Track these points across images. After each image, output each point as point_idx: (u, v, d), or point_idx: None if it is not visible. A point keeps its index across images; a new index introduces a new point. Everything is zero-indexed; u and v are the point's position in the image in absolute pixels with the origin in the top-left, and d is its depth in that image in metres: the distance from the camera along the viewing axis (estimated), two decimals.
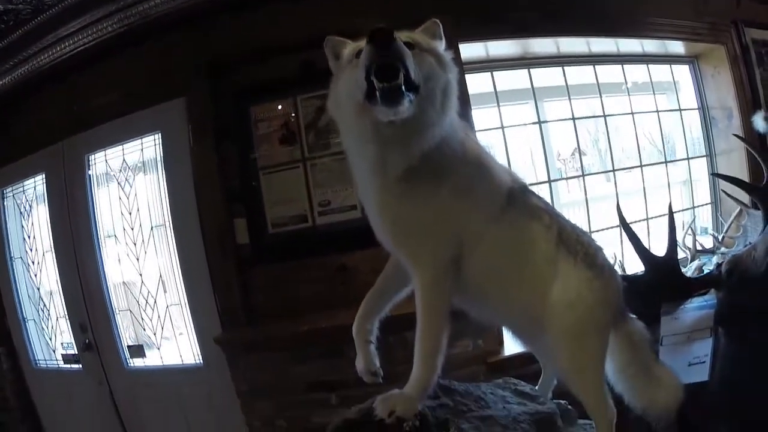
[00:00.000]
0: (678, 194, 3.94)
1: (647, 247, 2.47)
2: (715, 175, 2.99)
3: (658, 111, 3.90)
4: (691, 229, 3.26)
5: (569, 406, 1.65)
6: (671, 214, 2.51)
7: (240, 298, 2.99)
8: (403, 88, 1.12)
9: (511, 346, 2.76)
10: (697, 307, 2.40)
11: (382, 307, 1.48)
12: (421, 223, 1.30)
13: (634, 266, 2.81)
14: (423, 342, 1.32)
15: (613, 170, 3.77)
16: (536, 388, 1.66)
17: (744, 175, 3.05)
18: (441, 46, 1.34)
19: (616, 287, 1.46)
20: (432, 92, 1.22)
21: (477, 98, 3.28)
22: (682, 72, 3.98)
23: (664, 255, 2.45)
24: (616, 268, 2.55)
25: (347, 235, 2.80)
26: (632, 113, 3.82)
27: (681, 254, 3.15)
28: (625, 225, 2.50)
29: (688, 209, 3.81)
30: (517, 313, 1.46)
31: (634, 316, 1.63)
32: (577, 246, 1.40)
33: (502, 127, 3.38)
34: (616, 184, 3.74)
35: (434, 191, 1.29)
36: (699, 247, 3.19)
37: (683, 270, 2.76)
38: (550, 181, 3.52)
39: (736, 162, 3.69)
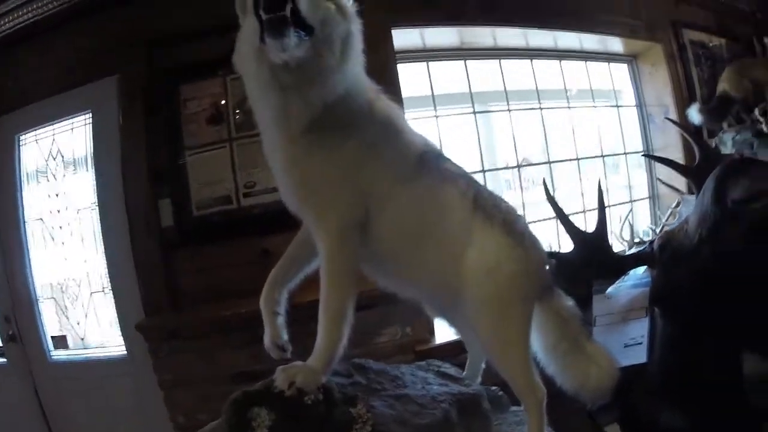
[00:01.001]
0: (617, 190, 4.00)
1: (575, 223, 2.41)
2: (646, 156, 3.02)
3: (596, 106, 3.97)
4: (629, 221, 3.28)
5: (501, 393, 1.60)
6: (600, 191, 2.47)
7: (163, 282, 2.90)
8: (290, 21, 1.08)
9: (443, 334, 2.71)
10: (631, 286, 2.36)
11: (292, 276, 1.42)
12: (324, 180, 1.26)
13: None
14: (326, 310, 1.27)
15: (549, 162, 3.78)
16: (464, 373, 1.60)
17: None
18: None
19: (539, 258, 1.41)
20: (329, 37, 1.18)
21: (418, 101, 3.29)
22: (621, 70, 4.05)
23: (592, 231, 2.37)
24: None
25: (271, 217, 2.71)
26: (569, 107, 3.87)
27: (618, 246, 3.21)
28: (551, 200, 2.43)
29: (626, 203, 3.85)
30: (430, 282, 1.39)
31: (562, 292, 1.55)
32: (494, 211, 1.35)
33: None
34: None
35: (339, 147, 1.25)
36: (636, 239, 3.15)
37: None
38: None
39: (673, 154, 3.64)
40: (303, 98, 1.19)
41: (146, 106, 2.94)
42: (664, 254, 2.25)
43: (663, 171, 3.46)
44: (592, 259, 2.31)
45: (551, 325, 1.41)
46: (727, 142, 3.65)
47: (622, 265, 2.38)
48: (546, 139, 3.67)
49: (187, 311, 2.91)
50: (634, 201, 3.96)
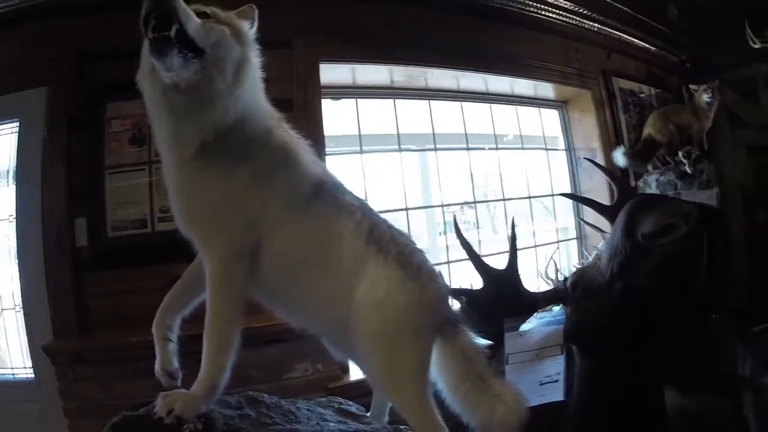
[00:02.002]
0: (545, 229, 4.06)
1: (484, 260, 2.36)
2: (566, 195, 3.07)
3: (524, 147, 4.05)
4: (554, 260, 3.30)
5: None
6: (513, 229, 2.44)
7: (73, 304, 2.79)
8: (175, 41, 1.09)
9: (357, 371, 2.60)
10: (545, 323, 2.32)
11: (186, 302, 1.39)
12: (213, 205, 1.25)
13: None
14: (211, 337, 1.24)
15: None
16: (369, 413, 1.56)
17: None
18: (247, 25, 1.31)
19: (436, 292, 1.37)
20: (221, 61, 1.19)
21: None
22: (551, 115, 4.17)
23: (503, 269, 2.34)
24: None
25: (185, 244, 2.67)
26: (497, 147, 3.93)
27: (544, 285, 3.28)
28: (460, 237, 2.40)
29: (553, 243, 3.91)
30: (322, 314, 1.37)
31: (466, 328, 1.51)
32: (390, 244, 1.33)
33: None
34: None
35: (230, 173, 1.24)
36: (561, 278, 3.20)
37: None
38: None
39: (601, 196, 3.74)
40: (194, 121, 1.19)
41: (71, 120, 2.89)
42: (576, 291, 2.24)
43: (590, 212, 3.48)
44: (503, 297, 2.29)
45: (454, 363, 1.36)
46: (652, 184, 3.75)
47: (534, 302, 2.34)
48: (472, 181, 3.74)
49: (95, 336, 2.80)
50: (563, 241, 4.04)
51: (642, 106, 4.15)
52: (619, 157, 3.58)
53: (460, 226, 2.55)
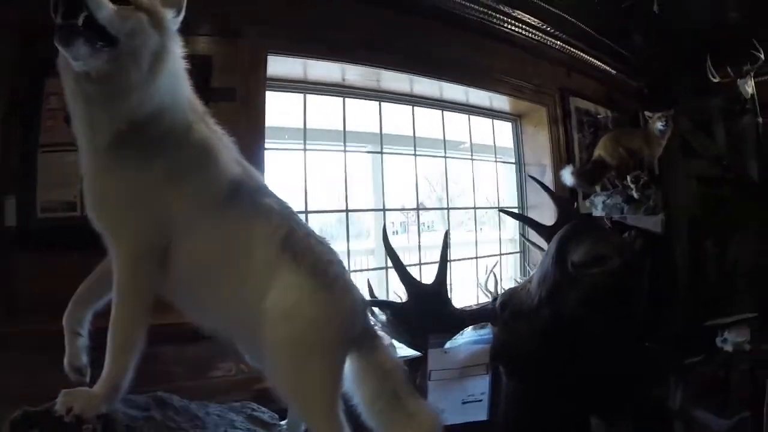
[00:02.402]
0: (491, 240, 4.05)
1: (411, 274, 2.29)
2: (503, 210, 3.06)
3: (473, 158, 4.01)
4: (494, 273, 3.28)
5: None
6: (445, 241, 2.40)
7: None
8: (80, 29, 1.05)
9: None
10: (471, 342, 2.28)
11: (98, 295, 1.37)
12: (123, 200, 1.23)
13: None
14: (115, 336, 1.22)
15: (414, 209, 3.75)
16: (284, 422, 1.55)
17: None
18: (171, 14, 1.26)
19: (352, 305, 1.35)
20: (136, 51, 1.15)
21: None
22: (504, 127, 4.15)
23: (430, 283, 2.28)
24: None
25: None
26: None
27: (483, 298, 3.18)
28: (388, 247, 2.29)
29: (494, 255, 3.87)
30: (231, 319, 1.34)
31: (395, 343, 1.64)
32: (306, 253, 1.30)
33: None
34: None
35: (143, 168, 1.22)
36: (501, 291, 3.16)
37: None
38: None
39: (546, 215, 3.75)
40: (107, 110, 1.16)
41: (8, 95, 2.73)
42: (505, 312, 2.24)
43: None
44: (429, 312, 2.22)
45: (370, 378, 1.34)
46: (598, 205, 3.75)
47: (461, 320, 2.30)
48: (417, 186, 3.66)
49: (23, 321, 2.69)
50: (508, 254, 4.02)
51: (597, 126, 4.17)
52: (567, 176, 3.57)
53: (408, 229, 2.54)
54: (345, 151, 3.26)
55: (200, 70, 2.14)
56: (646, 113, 3.67)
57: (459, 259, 3.77)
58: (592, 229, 2.36)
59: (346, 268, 1.44)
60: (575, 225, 2.28)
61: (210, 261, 1.27)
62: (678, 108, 3.70)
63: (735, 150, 4.36)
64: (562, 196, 3.01)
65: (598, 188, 3.84)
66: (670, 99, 4.12)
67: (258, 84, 2.62)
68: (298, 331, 1.22)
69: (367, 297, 2.38)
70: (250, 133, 2.44)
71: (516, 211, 3.79)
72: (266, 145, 2.67)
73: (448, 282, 2.29)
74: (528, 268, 3.61)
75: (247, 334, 1.32)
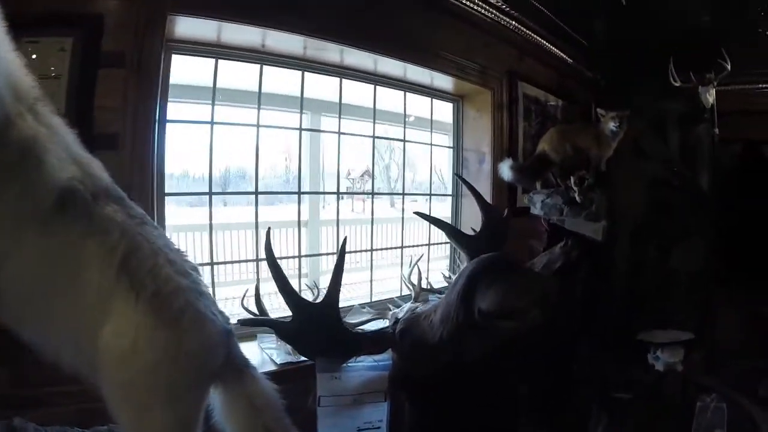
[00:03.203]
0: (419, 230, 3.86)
1: (295, 291, 2.07)
2: (417, 213, 2.69)
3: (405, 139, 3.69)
4: (418, 267, 2.98)
5: None
6: (342, 250, 2.12)
7: None
8: None
9: None
10: (367, 368, 2.17)
11: None
12: None
13: None
14: None
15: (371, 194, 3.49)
16: None
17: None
18: None
19: (202, 342, 1.21)
20: None
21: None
22: (445, 108, 3.82)
23: (320, 302, 2.10)
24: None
25: None
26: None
27: (405, 291, 3.14)
28: (270, 258, 2.02)
29: (423, 245, 3.60)
30: (66, 353, 1.18)
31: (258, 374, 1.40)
32: (147, 279, 1.17)
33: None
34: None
35: None
36: (425, 285, 2.89)
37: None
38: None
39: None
40: None
41: None
42: (404, 341, 2.11)
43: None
44: (316, 335, 2.06)
45: (237, 413, 1.27)
46: (537, 203, 3.44)
47: (355, 344, 2.16)
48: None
49: None
50: (432, 244, 3.73)
51: (545, 116, 3.84)
52: (506, 170, 3.25)
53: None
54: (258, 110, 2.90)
55: (89, 32, 1.98)
56: (599, 111, 3.33)
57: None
58: (508, 269, 2.07)
59: (203, 291, 1.31)
60: (487, 262, 2.04)
61: (35, 285, 1.12)
62: (634, 107, 3.37)
63: (687, 158, 4.17)
64: (489, 205, 2.71)
65: (538, 185, 3.50)
66: (626, 96, 3.87)
67: (153, 46, 2.22)
68: (136, 376, 1.11)
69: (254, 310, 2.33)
70: (142, 103, 2.14)
71: (450, 201, 3.42)
72: (182, 116, 2.52)
73: (340, 300, 2.11)
74: (458, 261, 3.30)
75: (85, 370, 1.18)
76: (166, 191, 2.39)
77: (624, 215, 3.76)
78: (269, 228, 2.10)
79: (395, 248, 3.77)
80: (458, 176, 2.93)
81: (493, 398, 2.00)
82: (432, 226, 3.21)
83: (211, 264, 2.71)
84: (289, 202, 5.47)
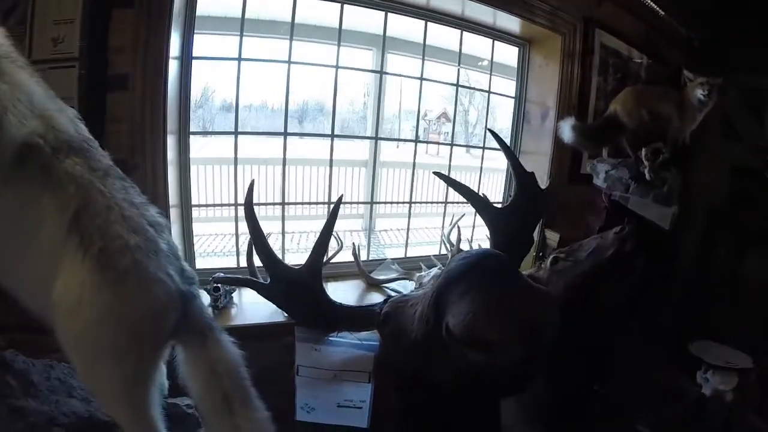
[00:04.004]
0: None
1: (274, 254, 1.96)
2: (436, 174, 2.25)
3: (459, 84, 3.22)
4: (458, 226, 2.81)
5: (191, 410, 1.53)
6: (335, 210, 1.96)
7: None
8: None
9: None
10: (352, 345, 2.00)
11: None
12: None
13: None
14: None
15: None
16: None
17: (541, 183, 2.33)
18: None
19: (148, 304, 1.21)
20: None
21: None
22: (509, 53, 3.29)
23: (300, 267, 1.94)
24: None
25: None
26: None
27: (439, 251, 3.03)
28: (250, 219, 1.90)
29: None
30: (31, 304, 1.22)
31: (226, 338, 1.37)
32: (95, 235, 1.16)
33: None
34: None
35: None
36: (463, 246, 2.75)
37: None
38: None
39: (540, 166, 3.04)
40: None
41: None
42: (386, 326, 1.85)
43: None
44: (295, 303, 1.96)
45: (196, 376, 1.28)
46: (600, 174, 2.92)
47: (335, 318, 1.97)
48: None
49: None
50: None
51: (625, 73, 3.22)
52: (567, 130, 2.73)
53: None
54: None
55: None
56: (686, 74, 2.73)
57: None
58: (497, 278, 1.60)
59: (160, 248, 1.29)
60: (475, 261, 1.64)
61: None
62: (729, 78, 2.76)
63: None
64: (524, 171, 2.24)
65: (605, 151, 2.98)
66: (722, 63, 3.17)
67: None
68: (82, 332, 1.14)
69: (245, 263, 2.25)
70: (153, 41, 2.07)
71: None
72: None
73: (323, 268, 1.98)
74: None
75: (47, 318, 1.19)
76: (240, 127, 2.55)
77: (699, 204, 3.19)
78: (252, 181, 1.97)
79: (437, 203, 3.48)
80: (490, 131, 2.41)
81: (475, 412, 1.67)
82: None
83: (282, 204, 2.82)
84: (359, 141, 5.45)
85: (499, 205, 2.24)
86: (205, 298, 2.27)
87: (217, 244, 5.33)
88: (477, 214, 2.28)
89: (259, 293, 1.98)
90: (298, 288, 1.91)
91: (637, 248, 1.98)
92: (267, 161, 5.07)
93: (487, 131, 2.53)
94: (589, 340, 2.13)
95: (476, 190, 2.18)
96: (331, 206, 2.48)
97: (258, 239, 1.89)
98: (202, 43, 2.39)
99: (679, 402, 2.60)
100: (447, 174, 2.10)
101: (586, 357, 2.19)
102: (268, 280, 1.96)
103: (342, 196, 2.02)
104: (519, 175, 2.15)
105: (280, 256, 1.99)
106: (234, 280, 2.17)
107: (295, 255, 3.59)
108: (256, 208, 1.95)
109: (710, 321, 3.14)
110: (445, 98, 3.27)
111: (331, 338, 1.98)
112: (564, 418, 2.11)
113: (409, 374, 1.71)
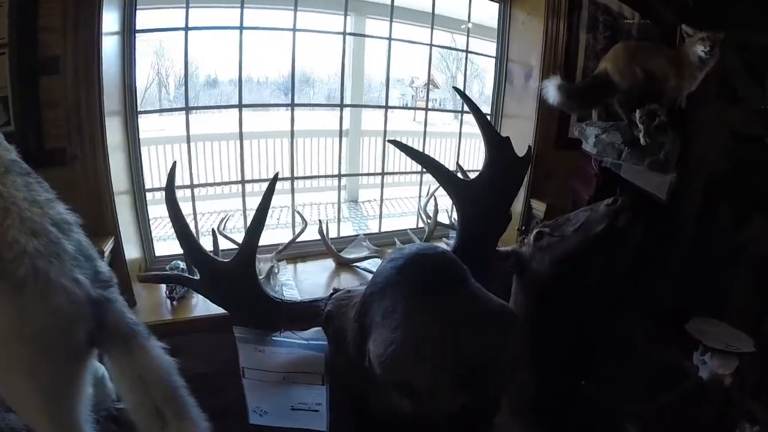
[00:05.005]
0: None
1: (199, 246, 1.71)
2: (392, 142, 1.90)
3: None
4: (434, 197, 2.69)
5: None
6: (270, 189, 1.66)
7: None
8: None
9: None
10: (298, 345, 1.77)
11: None
12: None
13: None
14: None
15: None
16: None
17: (524, 149, 2.00)
18: None
19: (50, 316, 1.11)
20: None
21: None
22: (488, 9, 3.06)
23: (230, 261, 1.67)
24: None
25: None
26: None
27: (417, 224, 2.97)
28: (171, 206, 1.65)
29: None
30: None
31: (161, 345, 1.29)
32: None
33: None
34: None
35: None
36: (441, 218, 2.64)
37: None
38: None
39: (524, 130, 2.89)
40: None
41: None
42: (329, 327, 1.61)
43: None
44: (228, 299, 1.73)
45: (125, 385, 1.22)
46: (590, 138, 2.65)
47: (275, 316, 1.72)
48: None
49: None
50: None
51: (615, 30, 2.94)
52: (551, 90, 2.48)
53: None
54: None
55: None
56: (685, 29, 2.46)
57: None
58: (430, 294, 1.24)
59: (64, 251, 1.19)
60: (398, 272, 1.32)
61: None
62: (730, 35, 2.49)
63: None
64: (497, 136, 1.89)
65: (594, 114, 2.72)
66: (721, 19, 2.87)
67: None
68: None
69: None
70: (83, 19, 1.94)
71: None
72: None
73: (257, 258, 1.71)
74: None
75: None
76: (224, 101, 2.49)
77: (698, 172, 2.95)
78: (174, 162, 1.74)
79: (410, 173, 3.35)
80: (456, 89, 2.10)
81: None
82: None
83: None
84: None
85: (470, 176, 1.98)
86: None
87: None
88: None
89: (193, 290, 1.86)
90: (229, 284, 1.68)
91: (631, 222, 1.75)
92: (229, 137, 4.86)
93: (454, 90, 2.21)
94: (578, 325, 1.92)
95: (438, 159, 1.85)
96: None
97: (179, 227, 1.64)
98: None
99: (675, 388, 2.44)
100: (407, 145, 1.77)
101: (574, 344, 1.98)
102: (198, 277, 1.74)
103: (278, 173, 1.74)
104: (491, 141, 1.82)
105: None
106: (161, 277, 1.99)
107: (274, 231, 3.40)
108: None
109: (710, 295, 2.99)
110: (432, 64, 2.98)
111: (274, 338, 1.76)
112: (552, 413, 1.89)
113: (356, 390, 1.48)
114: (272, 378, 1.78)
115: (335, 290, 1.68)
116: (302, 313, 1.69)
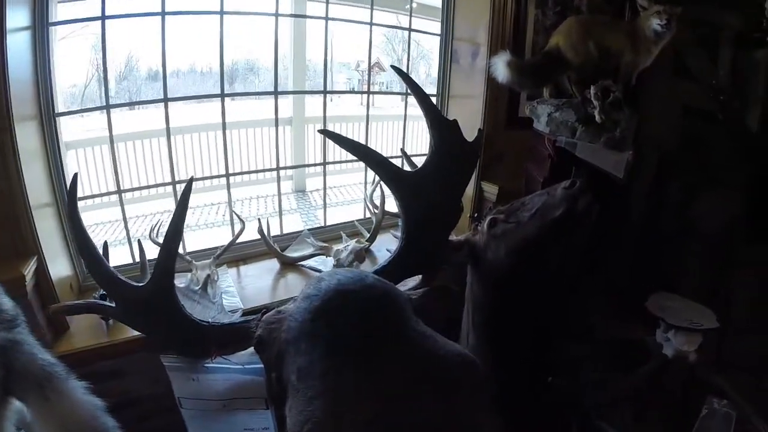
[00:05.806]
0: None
1: (107, 267, 1.52)
2: (322, 132, 1.72)
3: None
4: (381, 184, 2.61)
5: None
6: (185, 197, 1.50)
7: None
8: None
9: None
10: (235, 371, 1.62)
11: None
12: None
13: None
14: None
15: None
16: None
17: (473, 131, 1.85)
18: None
19: None
20: None
21: None
22: None
23: (144, 284, 1.49)
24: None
25: None
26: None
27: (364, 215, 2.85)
28: (74, 220, 1.51)
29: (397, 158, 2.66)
30: None
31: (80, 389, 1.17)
32: None
33: None
34: None
35: None
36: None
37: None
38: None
39: (473, 111, 2.77)
40: None
41: None
42: (262, 352, 1.37)
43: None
44: (148, 326, 1.56)
45: None
46: (542, 117, 2.55)
47: (203, 341, 1.53)
48: None
49: None
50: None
51: (565, 5, 2.83)
52: (500, 67, 2.35)
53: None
54: None
55: None
56: (640, 1, 2.39)
57: None
58: (354, 350, 1.03)
59: None
60: (316, 314, 1.14)
61: None
62: (689, 9, 2.43)
63: (737, 88, 3.20)
64: (442, 119, 1.72)
65: (546, 91, 2.61)
66: None
67: None
68: None
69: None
70: None
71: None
72: None
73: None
74: None
75: None
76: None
77: (651, 148, 2.89)
78: (75, 174, 1.55)
79: (349, 161, 3.12)
80: (394, 68, 1.88)
81: None
82: None
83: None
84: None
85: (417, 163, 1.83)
86: None
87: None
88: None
89: (112, 318, 1.75)
90: (147, 309, 1.48)
91: (590, 205, 1.64)
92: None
93: (393, 69, 1.99)
94: (537, 313, 1.83)
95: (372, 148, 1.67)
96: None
97: (84, 247, 1.47)
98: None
99: (639, 367, 2.40)
100: (337, 134, 1.57)
101: (533, 333, 1.88)
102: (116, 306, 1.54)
103: (192, 177, 1.56)
104: (437, 125, 1.63)
105: None
106: (74, 308, 1.71)
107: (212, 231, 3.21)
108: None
109: (666, 271, 2.97)
110: (378, 47, 2.82)
111: (207, 365, 1.60)
112: (517, 414, 1.79)
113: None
114: (212, 407, 1.64)
115: (266, 309, 1.45)
116: (233, 336, 1.52)
